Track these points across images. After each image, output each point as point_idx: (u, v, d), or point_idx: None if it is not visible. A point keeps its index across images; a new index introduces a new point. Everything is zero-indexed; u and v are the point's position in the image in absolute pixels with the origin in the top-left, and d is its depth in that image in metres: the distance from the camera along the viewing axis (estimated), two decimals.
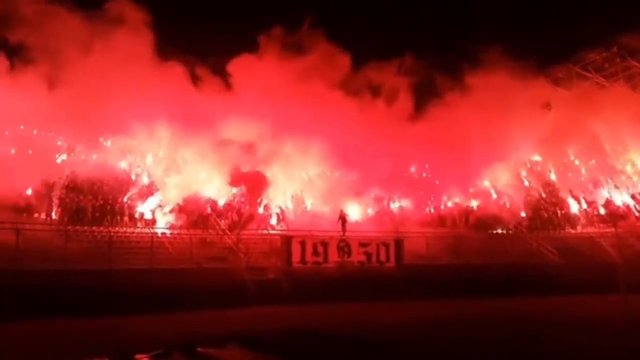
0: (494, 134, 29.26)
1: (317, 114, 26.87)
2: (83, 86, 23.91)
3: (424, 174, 33.03)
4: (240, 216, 25.31)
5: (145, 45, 26.01)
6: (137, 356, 3.62)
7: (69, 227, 20.52)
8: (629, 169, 31.26)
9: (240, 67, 28.37)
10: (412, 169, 32.76)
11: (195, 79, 28.27)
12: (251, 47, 29.62)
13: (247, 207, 26.18)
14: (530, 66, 29.66)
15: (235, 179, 26.77)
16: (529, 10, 42.17)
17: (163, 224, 23.95)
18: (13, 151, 24.88)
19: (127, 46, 25.29)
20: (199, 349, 3.73)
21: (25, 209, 22.22)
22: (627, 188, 30.36)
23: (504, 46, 30.01)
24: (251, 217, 25.45)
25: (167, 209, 24.53)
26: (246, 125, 26.36)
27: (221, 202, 26.23)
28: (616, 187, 30.50)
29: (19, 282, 15.53)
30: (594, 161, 32.20)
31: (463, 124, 29.33)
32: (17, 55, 24.89)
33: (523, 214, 29.23)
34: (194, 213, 24.42)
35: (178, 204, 24.69)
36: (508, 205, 30.00)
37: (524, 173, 32.03)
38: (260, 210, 26.63)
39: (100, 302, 15.74)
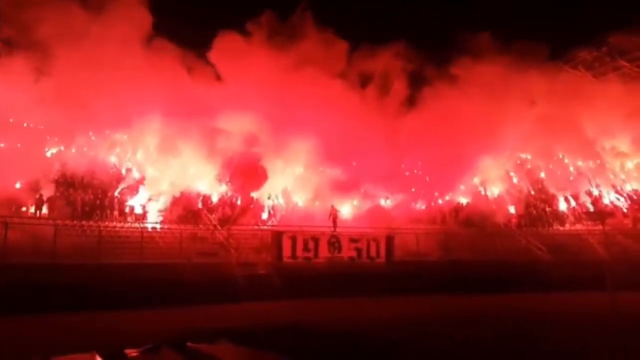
0: (485, 131, 29.35)
1: (307, 109, 26.66)
2: (73, 78, 23.50)
3: (415, 171, 33.08)
4: (232, 210, 25.16)
5: (135, 35, 25.58)
6: (127, 351, 3.63)
7: (58, 222, 20.30)
8: (617, 166, 31.55)
9: (228, 56, 27.93)
10: (403, 166, 32.74)
11: (187, 69, 27.84)
12: (241, 34, 29.13)
13: (239, 202, 26.00)
14: (522, 63, 29.75)
15: (230, 173, 26.48)
16: (521, 8, 42.24)
17: (155, 215, 23.77)
18: (2, 145, 24.59)
19: (117, 36, 24.81)
20: (188, 344, 3.74)
21: (14, 203, 21.96)
22: (615, 186, 30.64)
23: (496, 43, 30.22)
24: (244, 211, 25.27)
25: (162, 199, 24.32)
26: (233, 117, 26.09)
27: (213, 196, 26.02)
28: (601, 183, 30.79)
29: (6, 276, 15.39)
30: (581, 159, 32.45)
31: (454, 122, 29.35)
32: (3, 45, 24.44)
33: (512, 211, 29.43)
34: (185, 208, 24.23)
35: (174, 196, 24.50)
36: (497, 199, 30.23)
37: (512, 173, 32.23)
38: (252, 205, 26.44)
39: (89, 297, 15.69)
